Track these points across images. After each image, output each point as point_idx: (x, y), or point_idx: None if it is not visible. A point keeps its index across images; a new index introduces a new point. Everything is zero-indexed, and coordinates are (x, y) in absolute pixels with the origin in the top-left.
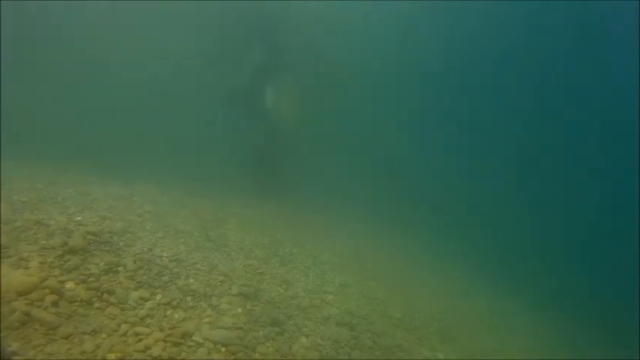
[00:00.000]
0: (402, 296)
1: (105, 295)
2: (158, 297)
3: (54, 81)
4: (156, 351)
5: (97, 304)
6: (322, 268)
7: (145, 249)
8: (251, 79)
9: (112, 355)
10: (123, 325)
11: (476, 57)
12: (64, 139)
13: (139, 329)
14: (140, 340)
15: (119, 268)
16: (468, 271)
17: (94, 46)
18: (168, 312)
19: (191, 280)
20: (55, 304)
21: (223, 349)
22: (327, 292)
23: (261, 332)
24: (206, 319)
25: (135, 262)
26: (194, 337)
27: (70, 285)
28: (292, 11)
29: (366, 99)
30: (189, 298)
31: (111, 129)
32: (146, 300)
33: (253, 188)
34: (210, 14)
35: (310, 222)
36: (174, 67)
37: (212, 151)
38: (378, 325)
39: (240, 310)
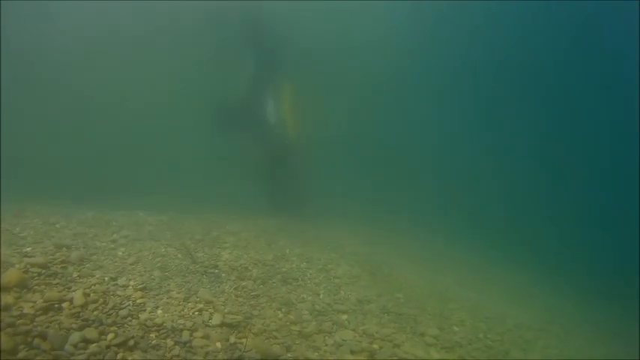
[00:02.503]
0: (437, 308)
1: (36, 340)
2: (109, 337)
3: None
4: None
5: (22, 353)
6: (336, 283)
7: (107, 279)
8: (250, 89)
9: None
10: None
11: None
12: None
13: None
14: None
15: (63, 305)
16: (508, 269)
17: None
18: (119, 355)
19: (159, 311)
20: None
21: None
22: (340, 312)
23: None
24: None
25: (87, 295)
26: None
27: None
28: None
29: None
30: (152, 336)
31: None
32: (91, 342)
33: (259, 204)
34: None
35: (325, 234)
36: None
37: (212, 168)
38: (407, 346)
39: (219, 345)
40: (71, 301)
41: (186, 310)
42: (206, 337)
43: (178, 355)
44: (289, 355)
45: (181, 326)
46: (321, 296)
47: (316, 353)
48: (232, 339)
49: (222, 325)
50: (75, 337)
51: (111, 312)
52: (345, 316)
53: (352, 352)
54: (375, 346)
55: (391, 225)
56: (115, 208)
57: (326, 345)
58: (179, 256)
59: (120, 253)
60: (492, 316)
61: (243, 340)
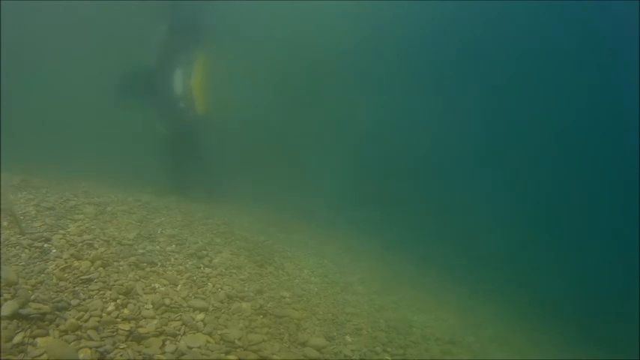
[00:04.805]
0: (331, 311)
1: None
2: None
3: None
4: None
5: None
6: (205, 273)
7: None
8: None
9: None
10: None
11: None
12: None
13: None
14: None
15: None
16: (426, 269)
17: None
18: None
19: None
20: None
21: None
22: (197, 310)
23: None
24: None
25: None
26: None
27: None
28: None
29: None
30: None
31: None
32: None
33: (160, 181)
34: None
35: (221, 215)
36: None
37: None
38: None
39: None
40: None
41: None
42: None
43: None
44: None
45: None
46: (179, 288)
47: None
48: (19, 338)
49: (13, 316)
50: None
51: None
52: (201, 316)
53: None
54: (232, 357)
55: (303, 212)
56: None
57: (163, 352)
58: (4, 224)
59: None
60: (396, 325)
61: (38, 340)
